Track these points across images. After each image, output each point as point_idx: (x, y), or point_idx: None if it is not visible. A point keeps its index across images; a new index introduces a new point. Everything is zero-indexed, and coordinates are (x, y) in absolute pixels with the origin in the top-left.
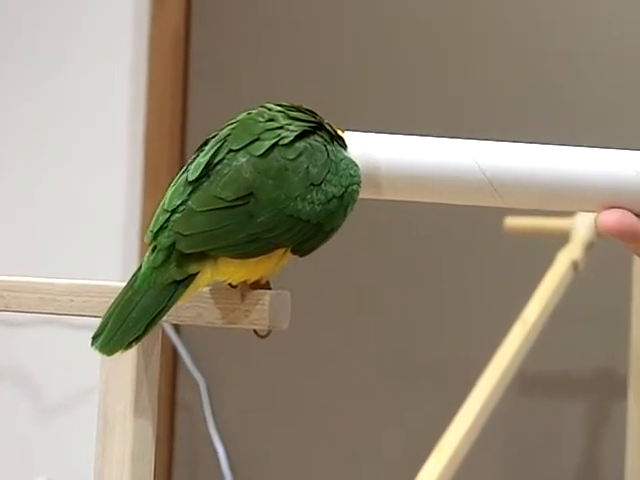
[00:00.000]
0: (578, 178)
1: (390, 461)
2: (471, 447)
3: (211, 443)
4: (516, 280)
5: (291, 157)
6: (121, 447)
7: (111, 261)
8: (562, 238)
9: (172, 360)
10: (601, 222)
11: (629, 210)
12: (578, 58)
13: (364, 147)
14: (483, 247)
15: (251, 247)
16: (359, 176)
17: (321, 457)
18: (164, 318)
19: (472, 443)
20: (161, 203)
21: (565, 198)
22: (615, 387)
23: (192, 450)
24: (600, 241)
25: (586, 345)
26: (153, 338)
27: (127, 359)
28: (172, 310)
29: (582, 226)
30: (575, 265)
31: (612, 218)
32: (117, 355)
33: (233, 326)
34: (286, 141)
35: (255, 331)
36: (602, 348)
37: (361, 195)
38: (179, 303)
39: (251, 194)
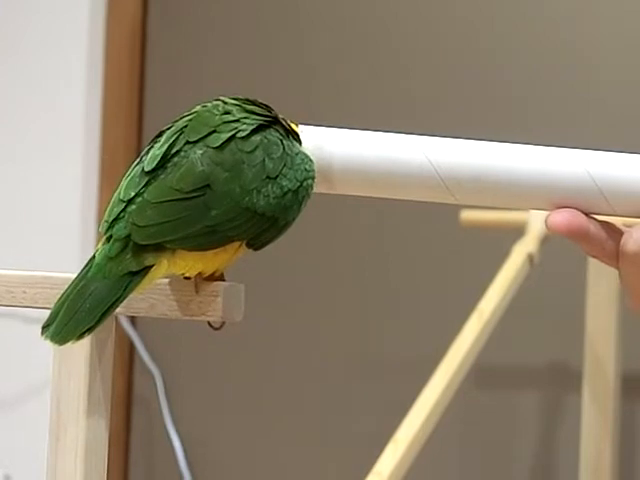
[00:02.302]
0: (530, 177)
1: (346, 453)
2: (427, 439)
3: (167, 436)
4: (472, 273)
5: (248, 150)
6: (74, 440)
7: (68, 252)
8: (518, 231)
9: (128, 353)
10: (551, 222)
11: (580, 210)
12: (533, 56)
13: (317, 141)
14: (439, 240)
15: (206, 239)
16: (314, 171)
17: (278, 449)
18: (119, 310)
19: (428, 435)
20: (116, 193)
21: (517, 197)
22: (570, 380)
23: (148, 443)
24: (555, 235)
25: (542, 338)
26: (106, 330)
27: (80, 352)
28: (125, 301)
29: (537, 219)
30: (531, 258)
31: (561, 218)
32: (69, 345)
33: (187, 318)
34: (243, 134)
35: (209, 323)
36: (557, 341)
37: (314, 189)
38: (133, 295)
39: (207, 186)
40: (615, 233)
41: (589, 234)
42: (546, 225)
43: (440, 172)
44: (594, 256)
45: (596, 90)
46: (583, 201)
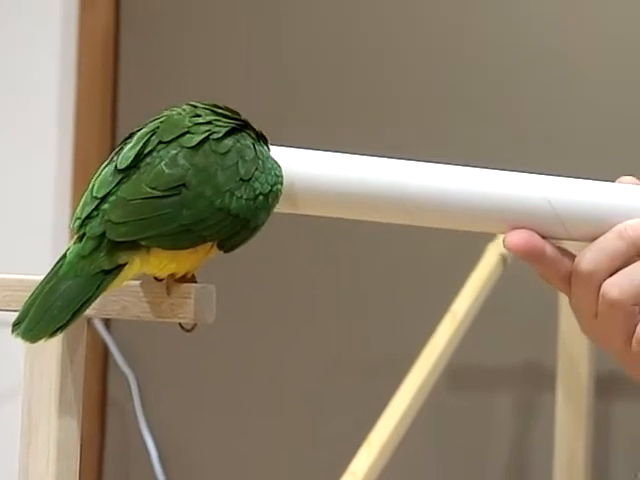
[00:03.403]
0: (490, 201)
1: (321, 455)
2: (401, 440)
3: (142, 438)
4: (445, 273)
5: (222, 151)
6: (46, 442)
7: (39, 255)
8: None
9: (103, 356)
10: (508, 242)
11: (537, 232)
12: (497, 76)
13: (281, 161)
14: (412, 240)
15: (181, 238)
16: (283, 176)
17: (253, 451)
18: (91, 312)
19: (401, 436)
20: (87, 192)
21: (476, 220)
22: (544, 380)
23: (123, 446)
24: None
25: (515, 338)
26: (78, 333)
27: (51, 354)
28: (97, 304)
29: None
30: (504, 259)
31: (518, 238)
32: (40, 348)
33: (159, 320)
34: (217, 136)
35: (180, 325)
36: (531, 341)
37: (277, 209)
38: (105, 294)
39: (183, 185)
40: (569, 256)
41: (545, 255)
42: (503, 245)
43: (401, 194)
44: (547, 279)
45: (556, 117)
46: (540, 225)
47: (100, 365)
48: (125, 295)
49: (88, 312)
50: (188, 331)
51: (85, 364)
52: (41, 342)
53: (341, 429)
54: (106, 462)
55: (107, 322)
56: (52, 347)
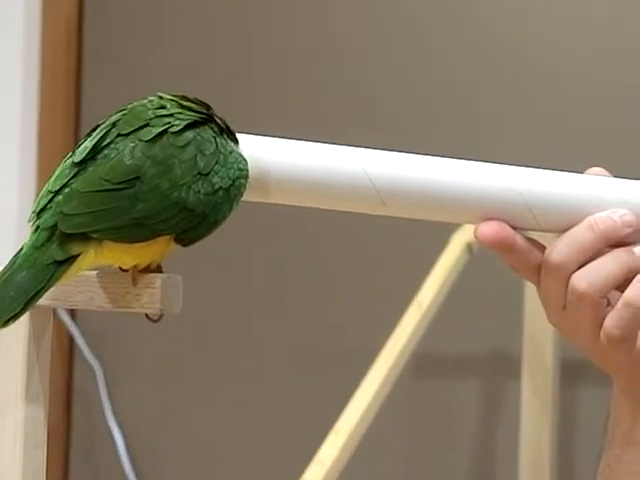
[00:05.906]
0: (461, 191)
1: (288, 444)
2: (368, 428)
3: (109, 430)
4: (411, 262)
5: (180, 145)
6: (12, 434)
7: (3, 248)
8: None
9: (68, 347)
10: (479, 233)
11: (507, 224)
12: (470, 67)
13: (254, 150)
14: (377, 228)
15: (133, 232)
16: (247, 170)
17: (220, 441)
18: (56, 302)
19: (368, 425)
20: (45, 185)
21: (448, 210)
22: (509, 367)
23: (89, 438)
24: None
25: (481, 326)
26: (44, 323)
27: (17, 345)
28: (62, 294)
29: None
30: (469, 247)
31: (489, 229)
32: (5, 339)
33: (124, 310)
34: (176, 129)
35: (147, 315)
36: (496, 329)
37: (249, 199)
38: (63, 284)
39: (137, 178)
40: (539, 248)
41: (515, 246)
42: (475, 236)
43: (376, 184)
44: (517, 270)
45: (529, 107)
46: (511, 216)
47: (66, 356)
48: (90, 285)
49: (53, 302)
50: (155, 321)
51: (51, 355)
52: (3, 332)
53: (308, 417)
54: (72, 453)
55: (73, 312)
56: (18, 338)
